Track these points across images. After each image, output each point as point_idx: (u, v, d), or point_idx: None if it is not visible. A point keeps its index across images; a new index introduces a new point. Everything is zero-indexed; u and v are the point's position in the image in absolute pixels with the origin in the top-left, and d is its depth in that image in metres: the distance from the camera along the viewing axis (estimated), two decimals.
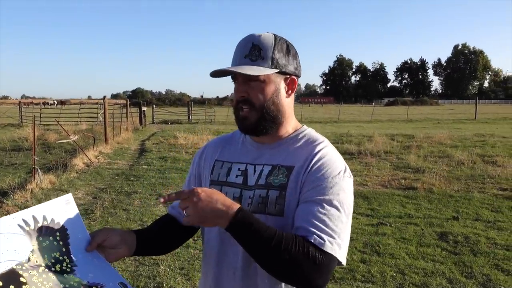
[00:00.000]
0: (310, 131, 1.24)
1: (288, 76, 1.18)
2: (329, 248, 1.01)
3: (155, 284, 3.66)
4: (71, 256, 1.00)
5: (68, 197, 1.05)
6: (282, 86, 1.18)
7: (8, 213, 5.63)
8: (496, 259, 4.19)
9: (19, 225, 0.95)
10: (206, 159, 1.32)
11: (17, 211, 4.69)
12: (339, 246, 1.03)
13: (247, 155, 1.23)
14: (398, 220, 5.52)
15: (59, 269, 0.97)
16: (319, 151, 1.16)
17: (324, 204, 1.06)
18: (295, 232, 1.04)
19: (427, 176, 7.98)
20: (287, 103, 1.20)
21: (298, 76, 1.21)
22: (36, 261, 0.95)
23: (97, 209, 5.92)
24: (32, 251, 0.95)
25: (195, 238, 4.59)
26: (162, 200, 1.01)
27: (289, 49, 1.17)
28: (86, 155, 10.16)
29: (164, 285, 3.65)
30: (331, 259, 1.01)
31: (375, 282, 3.71)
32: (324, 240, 1.01)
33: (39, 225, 0.97)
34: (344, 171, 1.14)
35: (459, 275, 3.86)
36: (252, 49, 1.13)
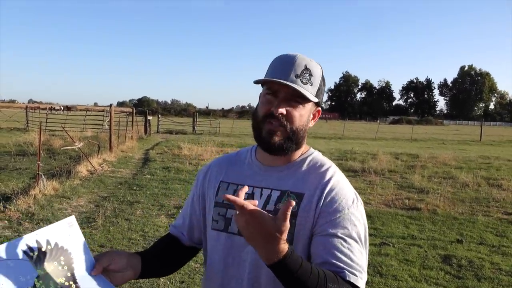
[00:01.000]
0: (317, 155, 1.24)
1: (317, 107, 1.21)
2: (361, 284, 1.05)
3: None
4: (76, 281, 0.99)
5: (71, 220, 1.04)
6: (311, 115, 1.20)
7: (10, 218, 5.63)
8: (500, 285, 4.13)
9: (24, 251, 0.95)
10: (210, 179, 1.30)
11: (19, 216, 4.67)
12: (364, 280, 1.07)
13: (253, 177, 1.22)
14: (401, 240, 5.46)
15: None
16: (329, 179, 1.16)
17: (346, 238, 1.07)
18: (322, 267, 1.03)
19: (431, 197, 7.92)
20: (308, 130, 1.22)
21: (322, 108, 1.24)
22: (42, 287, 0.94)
23: (99, 217, 5.90)
24: (38, 277, 0.94)
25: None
26: (227, 196, 0.94)
27: (325, 82, 1.21)
28: (90, 163, 10.17)
29: None
30: None
31: None
32: (356, 276, 1.04)
33: (43, 249, 0.97)
34: (357, 199, 1.15)
35: None
36: (304, 71, 1.12)
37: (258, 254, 0.98)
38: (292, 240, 1.10)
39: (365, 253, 1.10)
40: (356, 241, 1.08)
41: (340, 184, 1.16)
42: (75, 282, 0.99)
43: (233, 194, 1.17)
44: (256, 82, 1.14)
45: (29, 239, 0.96)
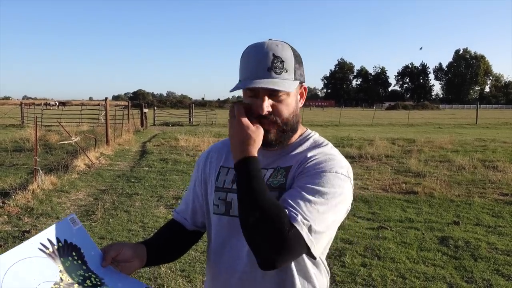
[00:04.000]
0: (314, 136, 1.25)
1: (301, 85, 1.19)
2: (299, 225, 0.99)
3: (156, 286, 3.67)
4: (94, 272, 1.03)
5: (73, 217, 1.08)
6: (298, 96, 1.19)
7: (9, 213, 5.64)
8: (496, 264, 4.19)
9: (40, 249, 0.98)
10: (211, 164, 1.31)
11: (18, 212, 4.67)
12: (309, 231, 1.00)
13: None
14: (398, 224, 5.52)
15: (91, 284, 1.00)
16: (320, 150, 1.17)
17: (303, 191, 1.05)
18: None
19: (428, 181, 7.98)
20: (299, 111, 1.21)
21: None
22: (68, 280, 0.98)
23: (98, 210, 5.92)
24: (61, 271, 0.98)
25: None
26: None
27: (299, 56, 1.17)
28: (88, 156, 10.17)
29: (165, 286, 3.66)
30: (298, 238, 0.99)
31: (375, 286, 3.71)
32: (296, 215, 1.00)
33: (56, 247, 1.00)
34: (341, 171, 1.11)
35: (460, 279, 3.86)
36: (274, 61, 1.09)
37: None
38: None
39: (324, 214, 1.04)
40: (316, 197, 1.04)
41: (326, 153, 1.15)
42: (93, 272, 1.03)
43: (233, 179, 1.21)
44: (233, 90, 1.13)
45: (41, 239, 0.99)
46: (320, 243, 1.05)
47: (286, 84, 1.09)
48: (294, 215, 1.00)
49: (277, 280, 1.15)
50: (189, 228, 1.35)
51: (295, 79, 1.13)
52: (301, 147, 1.20)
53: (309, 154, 1.15)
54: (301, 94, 1.21)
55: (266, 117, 1.11)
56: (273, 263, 0.99)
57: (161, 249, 1.25)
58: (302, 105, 1.22)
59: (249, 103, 1.12)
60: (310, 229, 1.01)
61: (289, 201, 1.03)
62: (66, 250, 1.01)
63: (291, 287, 1.15)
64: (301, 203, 1.03)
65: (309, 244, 1.01)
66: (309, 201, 1.03)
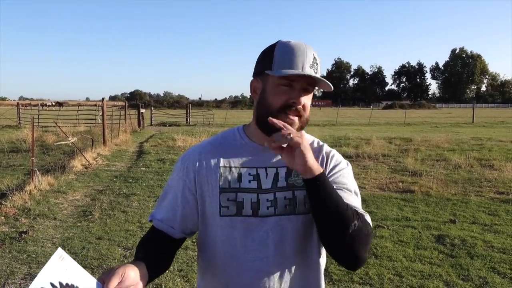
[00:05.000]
0: (304, 133, 1.29)
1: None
2: (369, 219, 1.16)
3: (154, 286, 3.68)
4: None
5: (60, 253, 0.97)
6: None
7: (6, 214, 5.63)
8: (492, 262, 4.22)
9: None
10: (207, 167, 1.22)
11: (15, 212, 4.64)
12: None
13: (253, 159, 1.22)
14: (395, 223, 5.54)
15: None
16: (321, 147, 1.28)
17: (353, 193, 1.20)
18: None
19: (424, 179, 8.01)
20: None
21: None
22: None
23: (95, 211, 5.92)
24: None
25: (193, 240, 4.60)
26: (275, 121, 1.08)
27: None
28: (85, 157, 10.16)
29: (163, 286, 3.67)
30: (369, 226, 1.16)
31: (372, 285, 3.73)
32: (364, 213, 1.15)
33: None
34: (347, 162, 1.30)
35: (456, 277, 3.89)
36: (314, 61, 1.16)
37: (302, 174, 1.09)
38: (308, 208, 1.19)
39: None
40: (357, 194, 1.21)
41: (332, 151, 1.29)
42: None
43: (238, 178, 1.20)
44: (281, 75, 1.11)
45: (36, 287, 0.92)
46: None
47: (327, 82, 1.16)
48: (363, 213, 1.15)
49: (301, 276, 1.21)
50: (176, 236, 1.26)
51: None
52: None
53: (322, 155, 1.25)
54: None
55: (296, 110, 1.15)
56: (364, 260, 1.14)
57: (158, 262, 1.18)
58: None
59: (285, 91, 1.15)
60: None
61: (354, 203, 1.16)
62: None
63: (313, 280, 1.24)
64: (357, 202, 1.18)
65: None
66: (359, 202, 1.21)
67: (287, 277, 1.19)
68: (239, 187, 1.19)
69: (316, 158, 1.17)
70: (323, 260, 1.26)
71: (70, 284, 0.95)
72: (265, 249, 1.18)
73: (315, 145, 1.28)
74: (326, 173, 1.17)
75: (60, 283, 0.93)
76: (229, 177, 1.20)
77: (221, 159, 1.23)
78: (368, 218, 1.15)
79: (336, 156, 1.26)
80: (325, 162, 1.23)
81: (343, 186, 1.19)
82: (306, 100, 1.17)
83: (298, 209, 1.18)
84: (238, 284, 1.19)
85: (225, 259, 1.21)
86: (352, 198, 1.17)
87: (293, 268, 1.20)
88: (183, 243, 1.33)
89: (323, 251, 1.25)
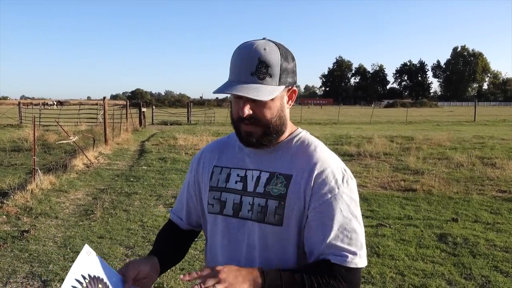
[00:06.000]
0: (304, 134, 1.24)
1: (290, 87, 1.17)
2: (353, 264, 1.08)
3: (156, 284, 3.67)
4: None
5: (87, 249, 1.09)
6: (285, 98, 1.17)
7: (8, 213, 5.64)
8: (495, 261, 4.21)
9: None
10: (204, 164, 1.31)
11: (17, 211, 4.66)
12: (360, 256, 1.10)
13: (245, 160, 1.22)
14: (397, 221, 5.53)
15: None
16: (317, 159, 1.15)
17: (339, 222, 1.10)
18: (318, 256, 1.10)
19: (426, 178, 7.99)
20: (287, 112, 1.20)
21: (296, 85, 1.21)
22: None
23: (97, 209, 5.92)
24: None
25: (196, 240, 4.59)
26: (185, 277, 1.01)
27: (290, 59, 1.14)
28: (86, 156, 10.16)
29: (165, 285, 3.67)
30: (357, 271, 1.10)
31: (374, 283, 3.72)
32: (347, 258, 1.08)
33: (84, 285, 1.03)
34: (346, 176, 1.15)
35: (458, 276, 3.88)
36: (259, 66, 1.07)
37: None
38: (281, 221, 1.12)
39: (360, 227, 1.12)
40: (351, 220, 1.10)
41: (327, 163, 1.15)
42: None
43: (226, 178, 1.23)
44: (215, 92, 1.12)
45: (70, 281, 1.01)
46: (365, 251, 1.14)
47: (267, 90, 1.08)
48: (345, 258, 1.08)
49: None
50: (184, 228, 1.36)
51: (280, 83, 1.11)
52: (293, 147, 1.19)
53: (309, 166, 1.14)
54: (290, 97, 1.19)
55: (248, 119, 1.12)
56: None
57: (168, 255, 1.27)
58: (290, 106, 1.21)
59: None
60: (359, 255, 1.10)
61: (334, 243, 1.09)
62: (93, 285, 1.04)
63: None
64: (343, 240, 1.09)
65: (364, 265, 1.11)
66: (347, 232, 1.10)
67: None
68: (225, 187, 1.22)
69: (303, 169, 1.14)
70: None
71: (96, 276, 1.06)
72: (238, 252, 1.19)
73: (310, 150, 1.18)
74: (307, 197, 1.12)
75: (89, 275, 1.05)
76: (219, 176, 1.25)
77: (217, 159, 1.28)
78: (356, 260, 1.08)
79: (327, 176, 1.13)
80: (306, 182, 1.13)
81: (324, 215, 1.10)
82: (257, 108, 1.11)
83: (268, 218, 1.13)
84: None
85: (210, 254, 1.28)
86: (338, 232, 1.09)
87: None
88: (196, 237, 1.41)
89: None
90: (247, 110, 1.10)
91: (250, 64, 1.07)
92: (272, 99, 1.11)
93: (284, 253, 1.14)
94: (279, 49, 1.11)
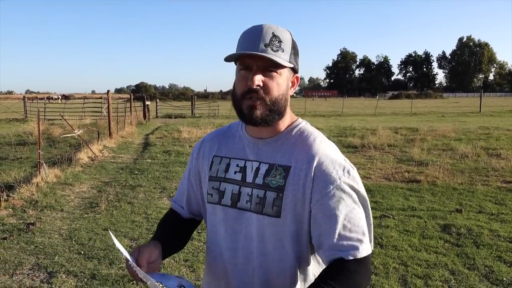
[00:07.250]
0: (304, 125, 1.22)
1: (294, 74, 1.17)
2: (364, 253, 1.09)
3: None
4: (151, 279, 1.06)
5: (111, 234, 1.16)
6: (290, 82, 1.17)
7: (14, 206, 5.70)
8: (499, 251, 4.20)
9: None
10: (204, 154, 1.31)
11: (23, 204, 4.71)
12: (367, 244, 1.11)
13: (244, 151, 1.21)
14: (401, 212, 5.53)
15: None
16: (316, 150, 1.14)
17: (344, 214, 1.09)
18: (327, 249, 1.09)
19: (430, 169, 7.97)
20: (289, 98, 1.19)
21: (301, 76, 1.22)
22: None
23: (102, 202, 5.97)
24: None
25: (199, 231, 4.63)
26: None
27: (297, 48, 1.16)
28: (91, 149, 10.21)
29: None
30: (366, 259, 1.10)
31: (378, 274, 3.73)
32: (358, 250, 1.08)
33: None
34: (347, 166, 1.14)
35: (462, 266, 3.88)
36: (272, 39, 1.08)
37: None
38: (279, 213, 1.12)
39: (365, 215, 1.13)
40: (355, 209, 1.10)
41: (327, 154, 1.14)
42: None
43: (225, 168, 1.23)
44: (227, 59, 1.10)
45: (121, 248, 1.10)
46: (372, 236, 1.17)
47: (281, 60, 1.08)
48: (355, 251, 1.08)
49: (265, 279, 1.17)
50: (185, 216, 1.37)
51: (290, 61, 1.12)
52: (293, 138, 1.18)
53: (308, 158, 1.12)
54: (293, 83, 1.19)
55: (256, 91, 1.08)
56: None
57: (169, 243, 1.27)
58: (292, 93, 1.20)
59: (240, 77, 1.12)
60: (366, 243, 1.11)
61: (340, 242, 1.08)
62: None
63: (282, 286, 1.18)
64: (350, 233, 1.09)
65: (371, 249, 1.12)
66: (352, 223, 1.10)
67: (252, 274, 1.18)
68: (224, 177, 1.22)
69: (302, 160, 1.12)
70: (308, 269, 1.19)
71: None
72: (236, 242, 1.19)
73: (310, 141, 1.16)
74: (307, 190, 1.10)
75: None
76: (218, 166, 1.24)
77: (217, 149, 1.28)
78: (360, 249, 1.08)
79: (327, 167, 1.11)
80: (305, 174, 1.11)
81: (329, 210, 1.09)
82: (268, 80, 1.09)
83: (266, 210, 1.13)
84: (214, 270, 1.26)
85: (210, 243, 1.28)
86: (344, 227, 1.08)
87: (257, 269, 1.17)
88: (197, 225, 1.42)
89: (312, 263, 1.20)
90: (257, 80, 1.08)
91: (264, 36, 1.08)
92: (281, 76, 1.11)
93: (281, 244, 1.14)
94: (289, 31, 1.14)
